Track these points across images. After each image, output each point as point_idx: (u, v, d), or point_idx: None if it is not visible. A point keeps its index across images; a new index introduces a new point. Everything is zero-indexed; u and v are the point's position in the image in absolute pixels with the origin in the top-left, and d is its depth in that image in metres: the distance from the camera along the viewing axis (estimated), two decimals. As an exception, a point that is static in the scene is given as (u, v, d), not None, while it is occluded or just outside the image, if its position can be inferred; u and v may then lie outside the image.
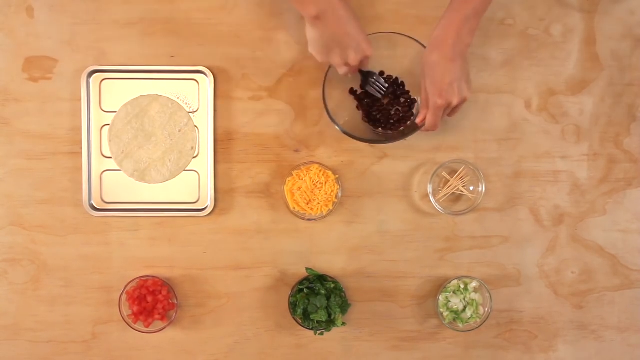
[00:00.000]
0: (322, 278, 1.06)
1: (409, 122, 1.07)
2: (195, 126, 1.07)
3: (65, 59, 1.06)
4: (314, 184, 1.05)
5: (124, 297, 1.05)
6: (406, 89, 1.07)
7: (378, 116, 1.06)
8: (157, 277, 1.06)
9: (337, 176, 1.06)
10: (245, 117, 1.08)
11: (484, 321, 1.07)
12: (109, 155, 1.07)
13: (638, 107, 1.10)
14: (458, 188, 1.08)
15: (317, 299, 1.03)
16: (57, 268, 1.08)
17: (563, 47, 1.09)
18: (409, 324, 1.10)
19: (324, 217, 1.07)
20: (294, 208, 1.06)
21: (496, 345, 1.11)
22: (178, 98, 1.07)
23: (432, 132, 1.00)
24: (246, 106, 1.08)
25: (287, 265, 1.09)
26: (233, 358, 1.10)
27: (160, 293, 1.05)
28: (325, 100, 1.00)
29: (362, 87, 1.05)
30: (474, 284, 1.07)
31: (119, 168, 1.07)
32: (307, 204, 1.05)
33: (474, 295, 1.07)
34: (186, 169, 1.08)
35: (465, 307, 1.07)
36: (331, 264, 1.09)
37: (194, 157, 1.08)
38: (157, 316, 1.05)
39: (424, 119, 0.97)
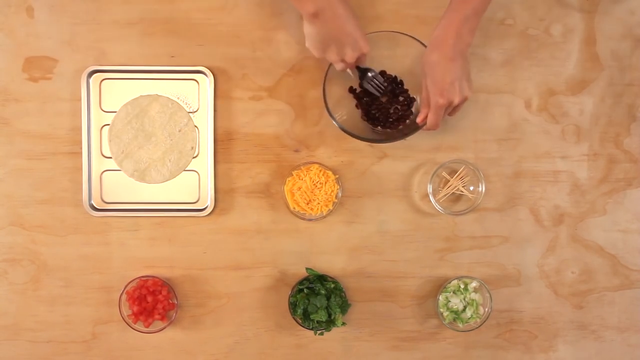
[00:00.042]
0: (322, 278, 1.06)
1: (407, 121, 1.07)
2: (195, 126, 1.07)
3: (65, 59, 1.06)
4: (314, 184, 1.05)
5: (124, 297, 1.05)
6: (405, 87, 1.07)
7: (377, 114, 1.06)
8: (157, 277, 1.06)
9: (337, 176, 1.06)
10: (245, 117, 1.08)
11: (484, 321, 1.07)
12: (109, 155, 1.07)
13: (638, 107, 1.10)
14: (458, 188, 1.08)
15: (317, 299, 1.03)
16: (57, 268, 1.08)
17: (563, 47, 1.09)
18: (409, 324, 1.10)
19: (324, 217, 1.07)
20: (294, 208, 1.06)
21: (496, 345, 1.11)
22: (178, 98, 1.07)
23: (432, 131, 1.00)
24: (246, 106, 1.08)
25: (287, 265, 1.09)
26: (233, 358, 1.10)
27: (160, 293, 1.05)
28: (326, 99, 1.00)
29: (360, 84, 1.05)
30: (474, 284, 1.07)
31: (119, 168, 1.07)
32: (307, 204, 1.05)
33: (474, 295, 1.07)
34: (186, 169, 1.08)
35: (465, 307, 1.07)
36: (331, 264, 1.09)
37: (194, 157, 1.08)
38: (157, 316, 1.05)
39: (425, 118, 0.97)
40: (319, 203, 1.05)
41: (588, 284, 1.11)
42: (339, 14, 0.89)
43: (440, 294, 1.07)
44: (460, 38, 0.90)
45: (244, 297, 1.09)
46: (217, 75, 1.07)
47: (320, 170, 1.05)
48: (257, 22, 1.07)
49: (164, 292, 1.06)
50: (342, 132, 1.01)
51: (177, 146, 1.07)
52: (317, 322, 1.04)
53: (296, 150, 1.08)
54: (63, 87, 1.07)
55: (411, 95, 1.07)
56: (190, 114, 1.07)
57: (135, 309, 1.04)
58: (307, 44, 0.95)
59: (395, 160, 1.09)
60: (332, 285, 1.05)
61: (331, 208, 1.06)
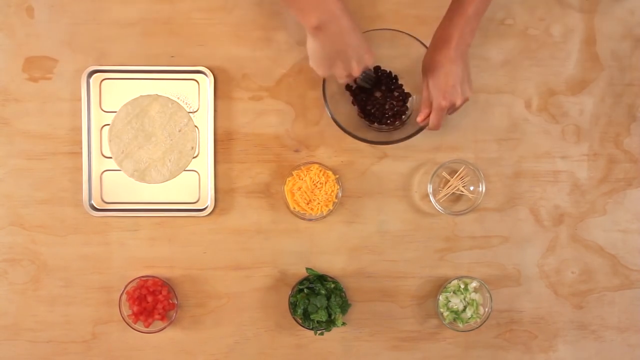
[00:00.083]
0: (322, 278, 1.06)
1: (403, 117, 1.07)
2: (195, 126, 1.07)
3: (65, 59, 1.06)
4: (314, 184, 1.05)
5: (124, 297, 1.05)
6: (399, 82, 1.07)
7: (372, 110, 1.06)
8: (157, 277, 1.06)
9: (337, 176, 1.06)
10: (245, 117, 1.08)
11: (484, 321, 1.07)
12: (109, 155, 1.07)
13: (638, 107, 1.10)
14: (458, 188, 1.08)
15: (317, 299, 1.03)
16: (57, 268, 1.08)
17: (563, 47, 1.09)
18: (409, 324, 1.10)
19: (324, 217, 1.07)
20: (294, 208, 1.06)
21: (496, 345, 1.11)
22: (178, 98, 1.07)
23: (433, 131, 1.00)
24: (246, 106, 1.08)
25: (287, 265, 1.09)
26: (233, 358, 1.10)
27: (160, 293, 1.05)
28: (327, 101, 1.00)
29: (354, 80, 1.05)
30: (474, 284, 1.07)
31: (119, 168, 1.07)
32: (307, 204, 1.05)
33: (474, 295, 1.07)
34: (186, 169, 1.08)
35: (465, 307, 1.07)
36: (331, 264, 1.09)
37: (194, 157, 1.08)
38: (157, 316, 1.05)
39: (425, 118, 0.97)
40: (319, 203, 1.05)
41: (588, 284, 1.11)
42: (343, 26, 0.85)
43: (440, 294, 1.07)
44: (461, 39, 0.90)
45: (244, 297, 1.09)
46: (217, 75, 1.07)
47: (320, 170, 1.05)
48: (257, 22, 1.07)
49: (164, 292, 1.06)
50: (343, 132, 1.01)
51: (177, 146, 1.07)
52: (317, 322, 1.04)
53: (296, 150, 1.08)
54: (63, 87, 1.07)
55: (406, 91, 1.07)
56: (190, 114, 1.07)
57: (135, 309, 1.04)
58: (311, 64, 0.92)
59: (395, 160, 1.09)
60: (332, 285, 1.05)
61: (331, 208, 1.06)
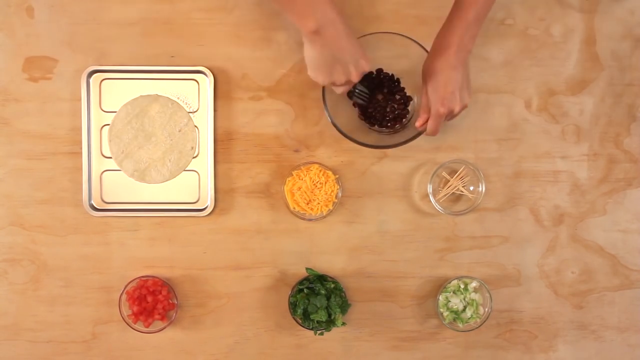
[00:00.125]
0: (322, 278, 1.06)
1: (404, 120, 1.07)
2: (195, 126, 1.07)
3: (65, 59, 1.06)
4: (314, 184, 1.05)
5: (124, 297, 1.05)
6: (402, 86, 1.07)
7: (373, 113, 1.06)
8: (157, 277, 1.06)
9: (337, 176, 1.06)
10: (245, 117, 1.08)
11: (484, 321, 1.07)
12: (109, 155, 1.07)
13: (638, 107, 1.10)
14: (458, 188, 1.08)
15: (317, 299, 1.03)
16: (57, 268, 1.08)
17: (563, 47, 1.09)
18: (409, 324, 1.10)
19: (324, 217, 1.07)
20: (294, 208, 1.06)
21: (496, 345, 1.11)
22: (178, 98, 1.07)
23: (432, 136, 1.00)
24: (246, 106, 1.08)
25: (287, 265, 1.09)
26: (233, 358, 1.10)
27: (160, 293, 1.05)
28: (326, 103, 1.00)
29: (348, 96, 1.05)
30: (474, 284, 1.07)
31: (119, 168, 1.07)
32: (307, 204, 1.05)
33: (474, 295, 1.07)
34: (186, 169, 1.08)
35: (465, 307, 1.07)
36: (331, 264, 1.09)
37: (194, 157, 1.08)
38: (157, 316, 1.05)
39: (424, 123, 0.97)
40: (319, 203, 1.05)
41: (588, 284, 1.11)
42: (339, 31, 0.85)
43: (440, 294, 1.07)
44: (461, 45, 0.90)
45: (244, 297, 1.09)
46: (217, 75, 1.07)
47: (320, 170, 1.05)
48: (257, 22, 1.07)
49: (164, 292, 1.06)
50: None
51: (177, 146, 1.07)
52: (317, 322, 1.04)
53: (296, 150, 1.08)
54: (63, 87, 1.07)
55: (408, 94, 1.07)
56: (190, 114, 1.07)
57: (135, 309, 1.04)
58: (310, 72, 0.92)
59: (395, 160, 1.09)
60: (332, 285, 1.05)
61: (331, 208, 1.06)
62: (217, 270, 1.09)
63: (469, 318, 1.07)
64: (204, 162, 1.07)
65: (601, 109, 1.10)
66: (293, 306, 1.05)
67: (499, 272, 1.10)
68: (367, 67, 0.91)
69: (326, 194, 1.05)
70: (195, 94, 1.07)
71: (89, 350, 1.09)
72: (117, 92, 1.06)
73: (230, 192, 1.08)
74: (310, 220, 1.08)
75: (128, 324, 1.05)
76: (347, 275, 1.09)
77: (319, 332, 1.05)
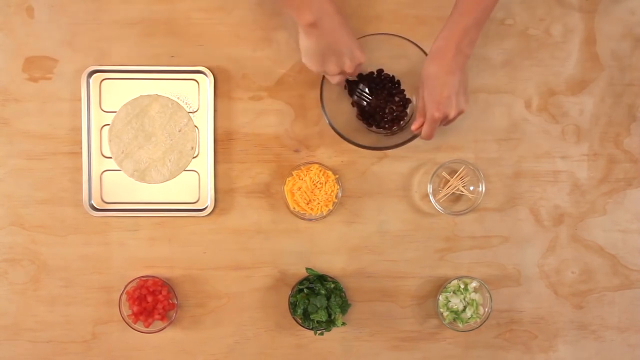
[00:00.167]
0: (322, 278, 1.06)
1: (402, 122, 1.07)
2: (195, 126, 1.07)
3: (65, 59, 1.06)
4: (314, 184, 1.05)
5: (124, 297, 1.05)
6: (402, 88, 1.07)
7: (372, 113, 1.06)
8: (157, 277, 1.06)
9: (337, 176, 1.06)
10: (245, 117, 1.08)
11: (484, 321, 1.07)
12: (109, 155, 1.07)
13: (638, 107, 1.10)
14: (458, 188, 1.08)
15: (317, 299, 1.03)
16: (57, 268, 1.08)
17: (563, 47, 1.09)
18: (409, 324, 1.10)
19: (324, 217, 1.07)
20: (294, 208, 1.06)
21: (496, 345, 1.11)
22: (178, 98, 1.07)
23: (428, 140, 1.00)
24: (246, 106, 1.08)
25: (287, 265, 1.09)
26: (233, 358, 1.10)
27: (160, 293, 1.05)
28: (324, 105, 1.00)
29: (349, 94, 1.05)
30: (474, 284, 1.07)
31: (119, 168, 1.07)
32: (307, 204, 1.05)
33: (474, 295, 1.07)
34: (186, 169, 1.08)
35: (465, 307, 1.07)
36: (331, 264, 1.09)
37: (194, 157, 1.08)
38: (157, 316, 1.05)
39: (419, 127, 0.97)
40: (319, 203, 1.05)
41: (588, 284, 1.11)
42: (336, 23, 0.88)
43: (440, 294, 1.07)
44: (460, 51, 0.90)
45: (244, 297, 1.09)
46: (217, 75, 1.07)
47: (320, 170, 1.05)
48: (257, 22, 1.07)
49: (164, 292, 1.06)
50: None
51: (177, 146, 1.07)
52: (317, 322, 1.04)
53: (296, 150, 1.08)
54: (63, 87, 1.07)
55: (407, 96, 1.07)
56: (190, 114, 1.07)
57: (135, 309, 1.04)
58: (304, 60, 0.94)
59: (395, 160, 1.09)
60: (332, 285, 1.05)
61: (331, 208, 1.06)
62: (217, 270, 1.09)
63: (469, 318, 1.07)
64: (204, 162, 1.07)
65: (601, 109, 1.10)
66: (293, 306, 1.05)
67: (499, 272, 1.10)
68: (362, 58, 0.93)
69: (326, 194, 1.05)
70: (195, 94, 1.07)
71: (89, 350, 1.09)
72: (117, 92, 1.06)
73: (230, 192, 1.08)
74: (310, 220, 1.08)
75: (128, 324, 1.05)
76: (347, 275, 1.09)
77: (319, 332, 1.05)
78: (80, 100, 1.06)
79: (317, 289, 1.04)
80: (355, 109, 1.08)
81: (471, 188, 1.09)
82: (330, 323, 1.05)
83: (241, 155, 1.08)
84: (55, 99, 1.07)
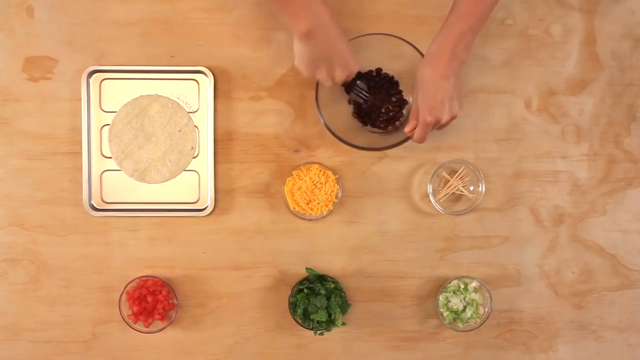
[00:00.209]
0: (322, 278, 1.06)
1: (397, 123, 1.07)
2: (195, 126, 1.07)
3: (65, 59, 1.06)
4: (314, 184, 1.05)
5: (124, 297, 1.05)
6: (400, 88, 1.07)
7: (368, 112, 1.06)
8: (157, 277, 1.06)
9: (337, 176, 1.06)
10: (245, 117, 1.08)
11: (484, 321, 1.07)
12: (109, 155, 1.07)
13: (638, 107, 1.10)
14: (458, 188, 1.08)
15: (317, 299, 1.03)
16: (57, 268, 1.08)
17: (563, 47, 1.09)
18: (409, 324, 1.10)
19: (324, 217, 1.07)
20: (294, 208, 1.06)
21: (496, 345, 1.11)
22: (178, 98, 1.07)
23: (432, 133, 1.00)
24: (246, 106, 1.08)
25: (287, 265, 1.09)
26: (233, 358, 1.10)
27: (160, 293, 1.05)
28: (319, 106, 1.00)
29: (346, 91, 1.05)
30: (474, 284, 1.07)
31: (119, 168, 1.07)
32: (307, 204, 1.05)
33: (474, 295, 1.07)
34: (186, 169, 1.08)
35: (465, 307, 1.07)
36: (331, 264, 1.09)
37: (194, 157, 1.08)
38: (157, 316, 1.05)
39: (412, 129, 0.97)
40: (319, 203, 1.05)
41: (588, 284, 1.11)
42: (331, 34, 0.87)
43: (440, 294, 1.07)
44: (455, 56, 0.89)
45: (244, 297, 1.09)
46: (217, 75, 1.07)
47: (320, 170, 1.05)
48: (257, 22, 1.07)
49: (164, 292, 1.06)
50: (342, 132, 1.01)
51: (177, 146, 1.07)
52: (317, 322, 1.04)
53: (296, 150, 1.08)
54: (63, 87, 1.07)
55: (404, 97, 1.07)
56: (190, 114, 1.07)
57: (135, 309, 1.04)
58: (296, 63, 0.94)
59: (395, 160, 1.09)
60: (332, 285, 1.05)
61: (331, 208, 1.06)
62: (217, 270, 1.09)
63: (469, 318, 1.07)
64: (204, 162, 1.07)
65: (601, 109, 1.10)
66: (293, 306, 1.05)
67: (499, 272, 1.10)
68: (356, 67, 0.94)
69: (326, 194, 1.05)
70: (195, 94, 1.07)
71: (89, 350, 1.09)
72: (117, 92, 1.06)
73: (230, 192, 1.08)
74: (310, 220, 1.08)
75: (128, 324, 1.05)
76: (347, 275, 1.09)
77: (319, 332, 1.05)
78: (80, 100, 1.06)
79: (317, 289, 1.04)
80: (351, 106, 1.08)
81: (471, 188, 1.09)
82: (330, 323, 1.05)
83: (241, 155, 1.08)
84: (55, 99, 1.07)
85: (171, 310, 1.07)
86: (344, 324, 1.05)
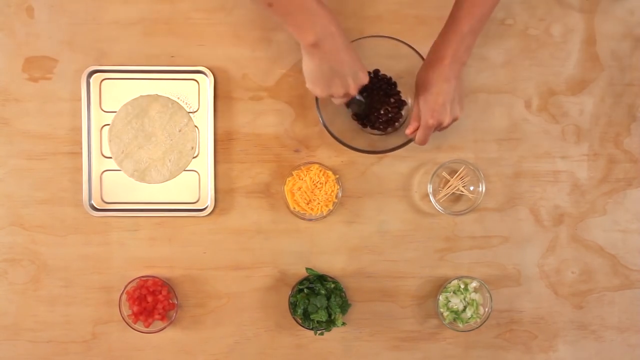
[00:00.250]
0: (322, 278, 1.06)
1: (397, 124, 1.07)
2: (195, 126, 1.07)
3: (65, 59, 1.06)
4: (314, 184, 1.05)
5: (124, 297, 1.05)
6: (398, 89, 1.07)
7: (367, 114, 1.06)
8: (157, 277, 1.06)
9: (337, 176, 1.06)
10: (245, 117, 1.08)
11: (484, 321, 1.07)
12: (109, 155, 1.07)
13: (638, 107, 1.10)
14: (458, 188, 1.08)
15: (317, 299, 1.03)
16: (57, 268, 1.08)
17: (563, 47, 1.09)
18: (409, 324, 1.10)
19: (324, 217, 1.07)
20: (294, 208, 1.06)
21: (496, 345, 1.11)
22: (178, 98, 1.07)
23: (432, 134, 1.00)
24: (246, 106, 1.08)
25: (287, 265, 1.09)
26: (233, 358, 1.10)
27: (160, 293, 1.05)
28: (319, 107, 1.00)
29: (346, 105, 1.04)
30: (474, 284, 1.07)
31: (119, 168, 1.07)
32: (307, 204, 1.05)
33: (474, 295, 1.07)
34: (186, 169, 1.08)
35: (465, 307, 1.07)
36: (331, 264, 1.09)
37: (194, 157, 1.08)
38: (157, 316, 1.05)
39: (413, 131, 0.97)
40: (319, 203, 1.05)
41: (588, 284, 1.11)
42: (338, 44, 0.85)
43: (440, 294, 1.07)
44: (456, 58, 0.89)
45: (244, 297, 1.09)
46: (217, 75, 1.07)
47: (320, 170, 1.05)
48: (257, 22, 1.07)
49: (164, 292, 1.06)
50: (342, 132, 1.01)
51: (177, 146, 1.07)
52: (317, 322, 1.04)
53: (296, 150, 1.08)
54: (63, 87, 1.07)
55: (403, 98, 1.07)
56: (190, 114, 1.07)
57: (135, 309, 1.04)
58: (308, 85, 0.92)
59: (395, 160, 1.09)
60: (332, 285, 1.05)
61: (331, 208, 1.06)
62: (217, 270, 1.09)
63: (469, 318, 1.07)
64: (204, 162, 1.07)
65: (601, 109, 1.10)
66: (293, 306, 1.05)
67: (499, 272, 1.10)
68: (366, 79, 0.91)
69: (326, 194, 1.05)
70: (195, 94, 1.07)
71: (89, 350, 1.09)
72: (117, 92, 1.06)
73: (230, 192, 1.08)
74: (310, 220, 1.08)
75: (128, 324, 1.05)
76: (347, 275, 1.09)
77: (319, 332, 1.05)
78: (80, 100, 1.06)
79: (317, 289, 1.04)
80: (350, 109, 1.08)
81: (471, 188, 1.09)
82: (330, 323, 1.05)
83: (241, 155, 1.08)
84: (55, 99, 1.07)
85: (171, 310, 1.07)
86: (344, 324, 1.05)
